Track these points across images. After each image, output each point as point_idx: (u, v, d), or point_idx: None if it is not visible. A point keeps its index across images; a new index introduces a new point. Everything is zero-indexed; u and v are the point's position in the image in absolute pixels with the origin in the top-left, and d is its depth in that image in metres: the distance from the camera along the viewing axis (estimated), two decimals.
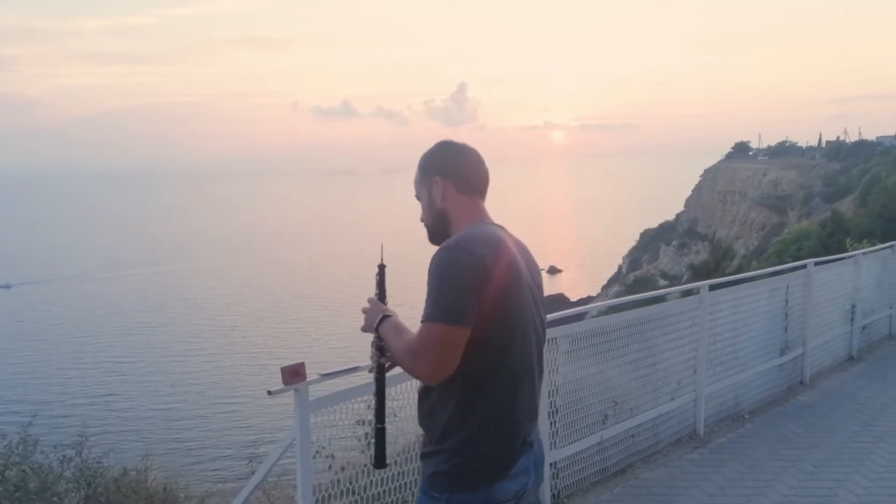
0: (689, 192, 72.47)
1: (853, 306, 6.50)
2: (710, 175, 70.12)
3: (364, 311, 1.76)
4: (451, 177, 1.71)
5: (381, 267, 1.79)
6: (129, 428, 25.19)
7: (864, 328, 6.78)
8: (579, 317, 3.79)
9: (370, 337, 1.77)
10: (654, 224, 67.81)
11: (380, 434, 1.70)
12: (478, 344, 1.55)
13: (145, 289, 54.67)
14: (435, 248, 1.74)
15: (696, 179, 72.52)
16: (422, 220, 1.79)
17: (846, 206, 34.24)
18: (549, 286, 60.34)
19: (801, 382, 5.74)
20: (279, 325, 42.55)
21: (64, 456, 3.78)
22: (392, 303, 1.84)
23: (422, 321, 1.55)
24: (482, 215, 1.72)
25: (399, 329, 1.66)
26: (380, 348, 1.71)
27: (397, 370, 1.80)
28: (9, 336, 40.75)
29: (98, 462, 3.98)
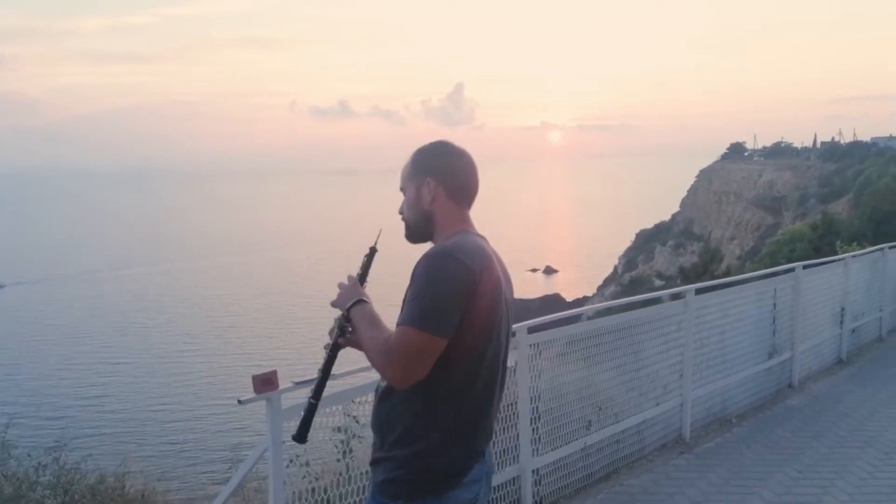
0: (684, 193, 72.60)
1: (842, 309, 6.48)
2: (705, 176, 70.27)
3: (340, 286, 1.72)
4: (444, 182, 1.68)
5: (372, 250, 1.77)
6: (123, 430, 25.08)
7: (853, 331, 6.76)
8: (563, 322, 3.75)
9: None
10: (650, 224, 67.90)
11: (311, 409, 1.66)
12: (454, 356, 1.54)
13: (142, 288, 54.51)
14: (407, 244, 1.74)
15: (693, 180, 72.65)
16: (400, 213, 1.75)
17: (841, 207, 34.33)
18: (546, 286, 60.37)
19: (789, 386, 5.71)
20: (277, 326, 42.43)
21: (39, 463, 3.72)
22: (384, 304, 1.80)
23: (400, 324, 1.53)
24: (468, 225, 1.70)
25: (374, 321, 1.62)
26: (342, 328, 1.69)
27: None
28: (1, 336, 40.54)
29: (76, 468, 3.92)
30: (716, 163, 72.70)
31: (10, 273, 58.43)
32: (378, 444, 1.64)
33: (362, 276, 1.73)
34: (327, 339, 1.72)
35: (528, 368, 3.46)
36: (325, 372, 1.68)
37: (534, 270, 69.75)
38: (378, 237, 1.77)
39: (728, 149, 76.50)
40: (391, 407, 1.61)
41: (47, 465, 3.76)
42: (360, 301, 1.66)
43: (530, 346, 3.46)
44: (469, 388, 1.58)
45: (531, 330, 3.47)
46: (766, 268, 6.83)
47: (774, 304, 5.40)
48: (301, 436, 1.68)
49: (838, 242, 9.81)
